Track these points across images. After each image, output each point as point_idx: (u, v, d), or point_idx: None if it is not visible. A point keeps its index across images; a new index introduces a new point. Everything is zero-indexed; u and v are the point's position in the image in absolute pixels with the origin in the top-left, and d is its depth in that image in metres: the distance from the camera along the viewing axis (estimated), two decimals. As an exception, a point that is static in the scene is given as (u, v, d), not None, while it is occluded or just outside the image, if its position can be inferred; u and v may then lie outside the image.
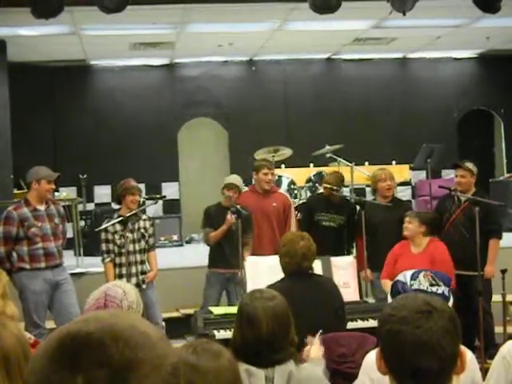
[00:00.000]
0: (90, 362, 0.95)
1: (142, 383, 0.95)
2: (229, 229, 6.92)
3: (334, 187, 7.29)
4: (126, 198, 6.79)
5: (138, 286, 6.33)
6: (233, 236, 6.87)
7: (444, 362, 1.78)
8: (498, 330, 6.76)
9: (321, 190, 9.49)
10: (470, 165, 6.97)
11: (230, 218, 6.82)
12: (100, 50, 11.61)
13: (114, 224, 6.71)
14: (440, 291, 3.23)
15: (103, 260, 6.82)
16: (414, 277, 3.30)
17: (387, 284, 6.41)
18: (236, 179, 7.23)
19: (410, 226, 6.37)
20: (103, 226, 6.76)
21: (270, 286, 4.51)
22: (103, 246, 6.81)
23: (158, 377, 0.97)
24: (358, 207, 7.25)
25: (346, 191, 9.89)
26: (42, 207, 6.45)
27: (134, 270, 6.79)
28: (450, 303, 3.12)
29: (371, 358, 2.96)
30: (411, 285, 3.27)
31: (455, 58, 13.75)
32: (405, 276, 3.35)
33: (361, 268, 6.76)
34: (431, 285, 3.26)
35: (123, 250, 6.70)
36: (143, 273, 6.88)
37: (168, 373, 0.99)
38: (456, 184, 6.97)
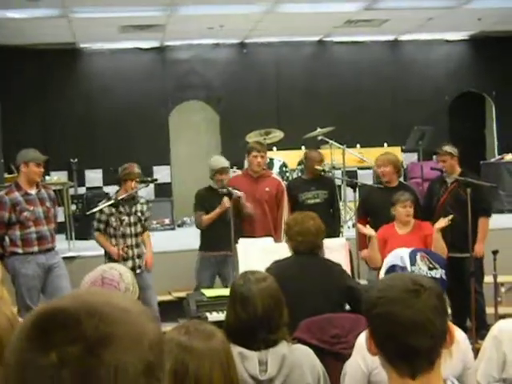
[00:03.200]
0: (64, 338, 0.94)
1: (118, 359, 0.94)
2: (222, 212, 6.91)
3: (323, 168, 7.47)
4: (127, 183, 6.77)
5: (133, 269, 6.31)
6: (225, 218, 6.85)
7: (435, 338, 1.79)
8: (490, 310, 6.80)
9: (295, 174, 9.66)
10: (447, 148, 7.02)
11: (227, 202, 6.79)
12: (90, 32, 11.53)
13: (107, 206, 6.68)
14: (438, 275, 3.25)
15: (94, 234, 6.85)
16: (412, 261, 3.30)
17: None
18: (225, 162, 7.20)
19: (411, 210, 6.41)
20: (96, 209, 6.76)
21: (276, 262, 4.54)
22: (95, 224, 6.84)
23: (136, 353, 0.96)
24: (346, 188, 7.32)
25: (337, 174, 9.90)
26: (33, 191, 6.43)
27: (130, 253, 6.79)
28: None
29: (364, 338, 2.97)
30: (412, 271, 3.27)
31: (447, 40, 13.74)
32: (403, 260, 3.34)
33: (361, 248, 6.90)
34: (430, 269, 3.27)
35: (118, 233, 6.69)
36: (139, 256, 6.88)
37: (145, 349, 0.97)
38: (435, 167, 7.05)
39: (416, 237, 6.26)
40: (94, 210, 6.77)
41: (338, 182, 9.51)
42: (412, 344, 1.76)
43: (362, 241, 7.00)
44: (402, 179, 7.66)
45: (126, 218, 6.74)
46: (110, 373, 0.93)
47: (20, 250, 6.32)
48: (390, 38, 13.43)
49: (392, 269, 3.33)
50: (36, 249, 6.35)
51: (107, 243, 6.79)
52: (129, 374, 0.94)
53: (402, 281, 1.85)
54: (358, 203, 7.14)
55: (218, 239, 6.91)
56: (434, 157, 7.25)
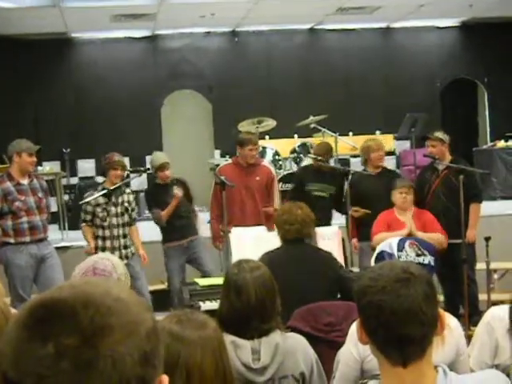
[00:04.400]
0: (61, 329, 0.94)
1: (114, 349, 0.94)
2: (177, 203, 7.02)
3: (322, 158, 7.37)
4: (110, 173, 6.80)
5: (120, 259, 6.30)
6: (179, 207, 7.05)
7: (426, 326, 1.79)
8: (482, 297, 6.82)
9: (306, 162, 9.52)
10: (439, 134, 7.02)
11: (178, 192, 6.97)
12: (81, 22, 11.48)
13: (97, 197, 6.69)
14: (426, 261, 3.25)
15: (80, 225, 6.88)
16: (400, 247, 3.31)
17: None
18: (165, 158, 7.33)
19: (409, 197, 6.42)
20: (87, 200, 6.74)
21: (267, 253, 4.55)
22: (82, 215, 6.86)
23: (132, 343, 0.96)
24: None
25: (330, 161, 9.89)
26: (25, 181, 6.41)
27: (116, 243, 6.79)
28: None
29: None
30: (399, 256, 3.28)
31: (438, 27, 13.73)
32: (391, 246, 3.35)
33: (352, 236, 7.02)
34: (417, 255, 3.28)
35: (105, 224, 6.70)
36: (125, 247, 6.89)
37: (142, 339, 0.98)
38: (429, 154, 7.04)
39: (417, 223, 6.27)
40: (87, 199, 6.75)
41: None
42: (403, 332, 1.76)
43: (353, 229, 7.05)
44: (394, 166, 7.63)
45: (112, 208, 6.73)
46: (107, 364, 0.93)
47: (12, 240, 6.31)
48: (382, 25, 13.42)
49: (380, 255, 3.34)
50: (28, 239, 6.34)
51: (89, 236, 6.81)
52: (126, 364, 0.95)
53: (392, 269, 1.85)
54: (347, 191, 7.03)
55: (179, 228, 7.13)
56: (426, 143, 7.22)
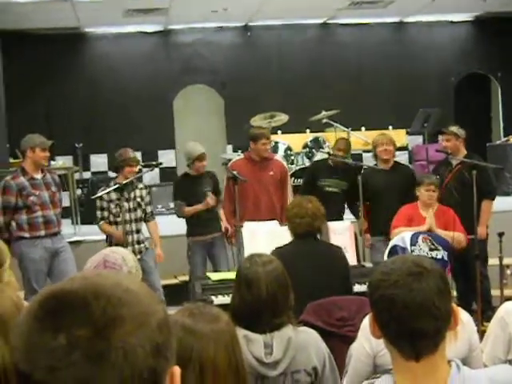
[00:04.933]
0: (72, 320, 0.94)
1: (125, 340, 0.94)
2: (203, 197, 7.00)
3: (343, 154, 7.36)
4: (125, 169, 6.78)
5: (133, 254, 6.30)
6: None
7: (439, 320, 1.79)
8: (495, 293, 6.79)
9: (318, 156, 9.50)
10: (454, 128, 6.99)
11: (211, 201, 6.94)
12: (93, 16, 11.50)
13: (109, 192, 6.70)
14: (440, 256, 3.23)
15: (98, 224, 6.85)
16: (413, 241, 3.30)
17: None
18: (202, 148, 7.19)
19: (434, 194, 6.37)
20: (99, 194, 6.76)
21: (277, 249, 4.55)
22: (98, 214, 6.82)
23: (143, 334, 0.96)
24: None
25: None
26: (38, 176, 6.44)
27: (129, 238, 6.79)
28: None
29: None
30: (412, 251, 3.26)
31: (452, 22, 13.65)
32: (403, 240, 3.34)
33: (365, 232, 6.99)
34: (430, 249, 3.26)
35: (118, 219, 6.70)
36: (139, 242, 6.89)
37: (153, 330, 0.98)
38: (443, 149, 7.00)
39: (438, 221, 6.21)
40: (99, 194, 6.76)
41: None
42: (416, 327, 1.76)
43: (366, 224, 7.03)
44: (407, 161, 7.58)
45: (125, 203, 6.73)
46: (119, 355, 0.93)
47: (27, 235, 6.34)
48: (395, 19, 13.36)
49: (393, 249, 3.33)
50: (43, 233, 6.37)
51: (112, 229, 6.79)
52: (138, 356, 0.95)
53: (405, 263, 1.85)
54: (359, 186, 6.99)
55: (204, 224, 7.08)
56: (440, 137, 7.18)
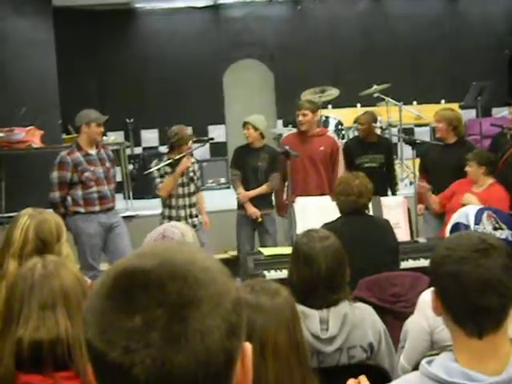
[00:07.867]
0: (148, 301, 0.93)
1: (202, 322, 0.93)
2: (255, 171, 7.09)
3: (367, 127, 7.35)
4: (181, 148, 6.75)
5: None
6: (259, 178, 7.07)
7: (505, 298, 1.78)
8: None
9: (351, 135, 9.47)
10: None
11: (273, 184, 7.09)
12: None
13: (162, 166, 6.71)
14: (504, 236, 3.15)
15: (157, 187, 6.78)
16: (477, 220, 3.22)
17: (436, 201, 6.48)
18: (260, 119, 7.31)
19: (470, 169, 6.28)
20: (153, 168, 6.77)
21: (325, 225, 4.53)
22: (157, 181, 6.70)
23: (219, 315, 0.95)
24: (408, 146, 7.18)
25: (394, 131, 9.78)
26: (93, 151, 6.49)
27: (182, 213, 6.81)
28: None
29: (426, 297, 2.95)
30: (475, 230, 3.20)
31: (506, -7, 13.36)
32: (467, 218, 3.26)
33: (420, 202, 6.87)
34: (495, 228, 3.19)
35: (172, 193, 6.72)
36: (192, 216, 6.91)
37: (228, 310, 0.97)
38: (510, 122, 6.83)
39: (488, 198, 6.08)
40: (153, 168, 6.78)
41: (394, 139, 9.42)
42: (481, 303, 1.75)
43: (420, 196, 6.94)
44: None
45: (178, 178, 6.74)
46: (196, 337, 0.92)
47: (82, 210, 6.40)
48: (448, -9, 13.13)
49: (456, 226, 3.27)
50: (98, 208, 6.43)
51: (171, 182, 6.73)
52: (215, 337, 0.94)
53: (470, 239, 1.83)
54: (418, 161, 6.98)
55: (254, 199, 7.09)
56: (494, 109, 7.02)
